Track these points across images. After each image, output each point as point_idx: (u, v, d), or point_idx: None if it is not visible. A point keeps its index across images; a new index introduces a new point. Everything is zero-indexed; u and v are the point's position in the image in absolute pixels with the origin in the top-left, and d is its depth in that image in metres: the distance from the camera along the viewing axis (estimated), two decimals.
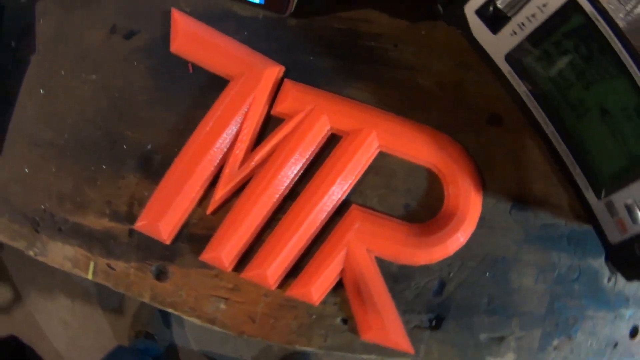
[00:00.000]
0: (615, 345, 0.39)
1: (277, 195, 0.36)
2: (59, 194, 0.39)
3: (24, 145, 0.40)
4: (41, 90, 0.41)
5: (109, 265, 0.39)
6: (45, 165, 0.40)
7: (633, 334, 0.40)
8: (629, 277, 0.36)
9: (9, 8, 0.42)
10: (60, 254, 0.39)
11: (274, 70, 0.36)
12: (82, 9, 0.41)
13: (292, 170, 0.36)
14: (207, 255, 0.36)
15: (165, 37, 0.39)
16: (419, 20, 0.38)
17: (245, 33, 0.39)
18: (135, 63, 0.39)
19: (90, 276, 0.39)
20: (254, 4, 0.38)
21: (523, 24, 0.32)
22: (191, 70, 0.39)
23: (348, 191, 0.36)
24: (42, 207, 0.40)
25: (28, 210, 0.40)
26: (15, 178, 0.40)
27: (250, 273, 0.36)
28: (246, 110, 0.36)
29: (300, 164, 0.36)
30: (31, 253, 0.40)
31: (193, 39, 0.38)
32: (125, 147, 0.39)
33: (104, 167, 0.39)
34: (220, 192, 0.36)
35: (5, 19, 0.42)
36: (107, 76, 0.40)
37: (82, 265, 0.39)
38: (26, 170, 0.40)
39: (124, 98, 0.39)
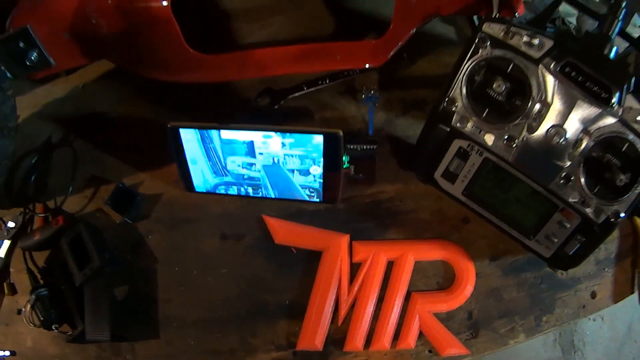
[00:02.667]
0: (583, 306, 0.71)
1: (373, 306, 0.67)
2: (230, 350, 0.66)
3: (177, 328, 0.65)
4: (182, 288, 0.68)
5: None
6: (209, 335, 0.65)
7: (593, 296, 0.72)
8: (565, 269, 0.68)
9: (115, 227, 0.69)
10: None
11: (346, 238, 0.68)
12: (187, 225, 0.70)
13: (375, 289, 0.67)
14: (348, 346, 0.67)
15: (266, 235, 0.70)
16: (409, 183, 0.70)
17: (315, 220, 0.70)
18: (252, 256, 0.69)
19: None
20: (316, 202, 0.69)
21: (465, 176, 0.64)
22: (294, 252, 0.70)
23: (406, 287, 0.68)
24: None
25: None
26: (182, 350, 0.65)
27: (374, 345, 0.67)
28: (339, 265, 0.67)
29: (379, 284, 0.68)
30: None
31: (289, 232, 0.69)
32: (269, 307, 0.68)
33: (259, 322, 0.67)
34: (343, 311, 0.67)
35: (113, 236, 0.68)
36: (235, 268, 0.69)
37: None
38: (191, 342, 0.65)
39: (256, 278, 0.69)
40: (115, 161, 0.77)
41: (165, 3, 0.62)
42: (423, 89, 0.76)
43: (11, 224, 0.74)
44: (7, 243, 0.73)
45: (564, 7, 0.92)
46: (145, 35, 0.68)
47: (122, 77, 0.81)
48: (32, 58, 0.76)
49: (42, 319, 0.66)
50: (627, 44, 0.69)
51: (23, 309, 0.68)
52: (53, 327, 0.66)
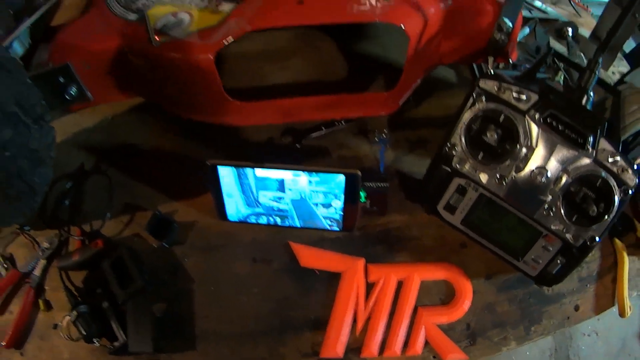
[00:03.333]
0: (568, 317, 0.82)
1: (385, 318, 0.78)
2: (261, 358, 0.73)
3: (212, 341, 0.73)
4: (217, 305, 0.76)
5: None
6: (242, 346, 0.72)
7: (576, 309, 0.83)
8: (549, 285, 0.80)
9: (153, 251, 0.79)
10: None
11: (362, 261, 0.79)
12: (220, 249, 0.79)
13: (387, 304, 0.78)
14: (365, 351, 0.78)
15: (293, 259, 0.80)
16: (414, 213, 0.82)
17: (335, 245, 0.81)
18: (281, 277, 0.80)
19: None
20: (335, 230, 0.80)
21: (463, 208, 0.76)
22: (318, 273, 0.81)
23: (413, 303, 0.79)
24: None
25: None
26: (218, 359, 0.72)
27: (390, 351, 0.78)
28: (356, 284, 0.79)
29: (390, 300, 0.79)
30: None
31: (312, 256, 0.80)
32: (296, 321, 0.79)
33: (287, 333, 0.77)
34: (360, 323, 0.78)
35: (151, 259, 0.76)
36: (265, 288, 0.79)
37: None
38: (226, 352, 0.72)
39: (284, 297, 0.79)
40: (148, 190, 0.86)
41: (211, 56, 0.73)
42: (426, 129, 0.88)
43: (46, 245, 0.82)
44: (42, 262, 0.81)
45: (554, 47, 1.07)
46: (186, 82, 0.79)
47: (150, 110, 0.91)
48: (72, 92, 0.84)
49: (84, 333, 0.73)
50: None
51: (59, 324, 0.75)
52: (94, 340, 0.73)
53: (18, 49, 0.92)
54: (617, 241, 0.86)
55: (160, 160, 0.89)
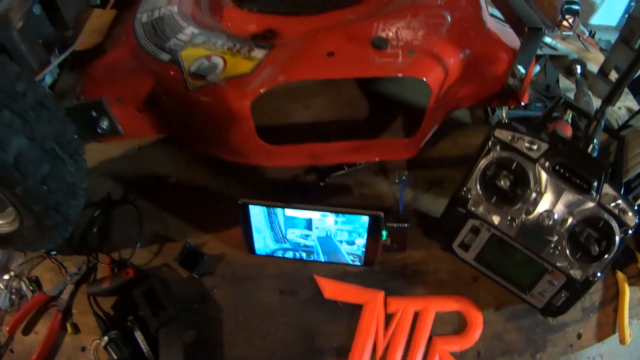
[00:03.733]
0: (571, 345, 0.88)
1: (403, 346, 0.85)
2: None
3: None
4: (245, 333, 0.82)
5: None
6: None
7: (579, 337, 0.89)
8: (554, 316, 0.87)
9: (182, 281, 0.85)
10: None
11: (381, 294, 0.85)
12: (248, 281, 0.85)
13: (405, 334, 0.85)
14: None
15: (317, 291, 0.86)
16: (431, 249, 0.88)
17: (357, 279, 0.87)
18: (306, 308, 0.86)
19: None
20: (357, 265, 0.87)
21: (476, 247, 0.82)
22: (340, 305, 0.87)
23: (429, 332, 0.86)
24: None
25: None
26: None
27: None
28: (377, 315, 0.85)
29: (407, 330, 0.85)
30: None
31: (336, 289, 0.86)
32: (321, 348, 0.84)
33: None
34: (380, 350, 0.84)
35: (181, 289, 0.83)
36: (291, 317, 0.84)
37: None
38: None
39: (309, 326, 0.85)
40: (177, 221, 0.93)
41: (247, 104, 0.78)
42: (442, 169, 0.95)
43: (74, 270, 0.87)
44: (70, 287, 0.86)
45: (563, 83, 1.13)
46: (220, 125, 0.85)
47: (176, 143, 0.96)
48: (103, 126, 0.90)
49: (115, 357, 0.79)
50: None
51: (88, 347, 0.81)
52: None
53: (48, 78, 0.98)
54: (619, 273, 0.92)
55: (187, 192, 0.95)
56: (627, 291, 0.91)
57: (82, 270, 0.87)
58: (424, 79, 0.79)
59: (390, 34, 0.84)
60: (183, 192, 0.95)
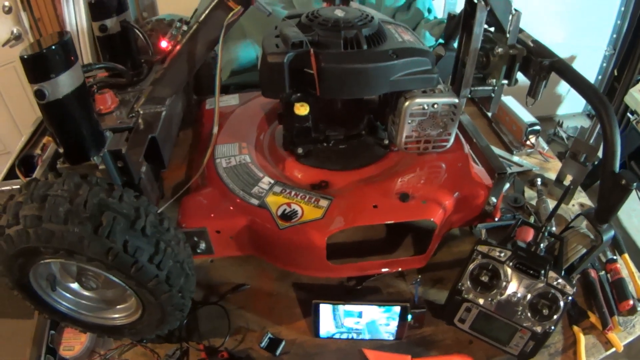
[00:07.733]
0: None
1: None
2: None
3: None
4: None
5: None
6: None
7: None
8: (527, 359, 1.30)
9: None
10: None
11: (408, 357, 1.28)
12: (314, 357, 1.13)
13: None
14: None
15: (365, 359, 1.28)
16: (438, 324, 1.32)
17: (390, 348, 1.30)
18: None
19: None
20: (392, 340, 1.29)
21: (470, 319, 1.27)
22: None
23: None
24: None
25: None
26: None
27: None
28: None
29: None
30: None
31: (377, 357, 1.28)
32: None
33: None
34: None
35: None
36: None
37: None
38: None
39: None
40: (254, 316, 1.29)
41: (325, 240, 1.18)
42: (441, 271, 1.37)
43: (169, 353, 1.11)
44: None
45: (528, 193, 1.59)
46: (300, 252, 1.23)
47: (243, 258, 1.31)
48: (202, 247, 1.28)
49: None
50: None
51: None
52: None
53: None
54: (575, 327, 1.20)
55: (260, 295, 1.32)
56: (582, 339, 1.17)
57: (177, 355, 1.08)
58: (432, 219, 1.20)
59: (410, 189, 1.19)
60: (256, 295, 1.26)
